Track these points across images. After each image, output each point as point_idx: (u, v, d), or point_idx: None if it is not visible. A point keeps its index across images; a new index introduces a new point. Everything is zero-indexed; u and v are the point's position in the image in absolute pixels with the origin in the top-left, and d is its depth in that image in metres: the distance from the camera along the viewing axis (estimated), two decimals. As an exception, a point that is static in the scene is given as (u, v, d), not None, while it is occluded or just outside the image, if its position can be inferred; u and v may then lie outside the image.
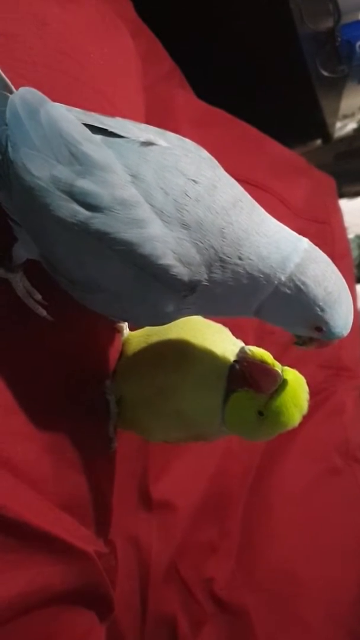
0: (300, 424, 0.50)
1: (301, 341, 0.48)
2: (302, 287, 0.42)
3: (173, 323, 0.51)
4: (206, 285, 0.42)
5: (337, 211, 1.20)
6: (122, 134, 0.42)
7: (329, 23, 1.24)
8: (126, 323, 0.60)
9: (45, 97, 0.43)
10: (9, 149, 0.41)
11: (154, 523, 0.72)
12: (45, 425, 0.48)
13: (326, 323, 0.44)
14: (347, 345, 1.07)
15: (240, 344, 0.54)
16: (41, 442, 0.48)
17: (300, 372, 0.49)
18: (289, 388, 0.48)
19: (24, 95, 0.42)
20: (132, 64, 0.70)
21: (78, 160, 0.40)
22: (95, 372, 0.56)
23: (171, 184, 0.41)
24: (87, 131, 0.42)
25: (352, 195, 1.39)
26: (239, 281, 0.42)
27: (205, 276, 0.42)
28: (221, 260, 0.41)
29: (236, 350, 0.52)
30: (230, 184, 0.44)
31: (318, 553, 0.86)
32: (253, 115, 1.05)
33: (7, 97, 0.42)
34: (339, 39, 1.26)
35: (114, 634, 0.61)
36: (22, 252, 0.46)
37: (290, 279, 0.42)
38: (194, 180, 0.41)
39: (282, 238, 0.43)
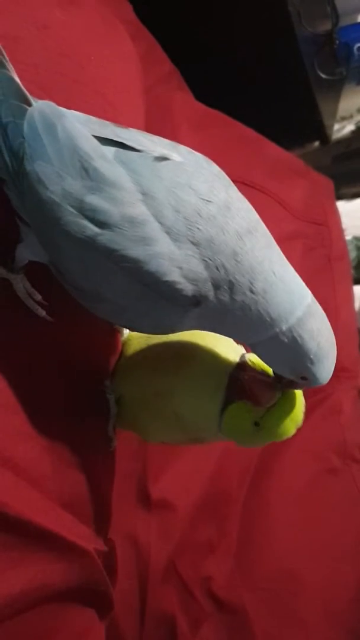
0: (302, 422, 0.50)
1: (279, 380, 0.49)
2: (298, 339, 0.44)
3: None
4: (212, 302, 0.43)
5: (335, 213, 1.21)
6: (136, 147, 0.43)
7: (327, 25, 1.24)
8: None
9: (63, 111, 0.43)
10: (25, 160, 0.41)
11: (153, 522, 0.72)
12: (46, 424, 0.49)
13: (312, 375, 0.45)
14: (346, 346, 1.07)
15: (241, 350, 0.54)
16: (42, 441, 0.48)
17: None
18: (286, 401, 0.49)
19: (42, 108, 0.42)
20: (132, 66, 0.70)
21: (90, 176, 0.40)
22: (95, 371, 0.57)
23: (183, 202, 0.41)
24: (100, 148, 0.42)
25: (350, 196, 1.39)
26: (244, 314, 0.43)
27: (212, 294, 0.42)
28: (231, 284, 0.42)
29: (236, 357, 0.52)
30: (245, 208, 0.44)
31: (316, 552, 0.87)
32: (251, 117, 1.06)
33: (26, 110, 0.42)
34: (337, 42, 1.26)
35: (113, 632, 0.61)
36: (26, 254, 0.47)
37: (290, 330, 0.43)
38: (207, 200, 0.41)
39: (295, 287, 0.44)
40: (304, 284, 0.45)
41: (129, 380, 0.57)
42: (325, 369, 0.45)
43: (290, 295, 0.43)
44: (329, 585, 0.85)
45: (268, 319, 0.43)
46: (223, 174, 0.46)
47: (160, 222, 0.40)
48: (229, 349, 0.53)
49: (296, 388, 0.49)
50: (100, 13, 0.65)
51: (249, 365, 0.51)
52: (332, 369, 0.46)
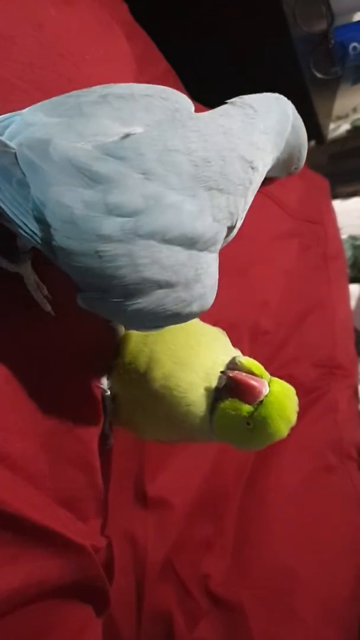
0: (295, 422, 0.51)
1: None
2: (298, 130, 0.54)
3: (170, 327, 0.52)
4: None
5: (331, 212, 1.21)
6: (101, 138, 0.43)
7: (322, 25, 1.24)
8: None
9: (45, 138, 0.43)
10: (37, 196, 0.41)
11: (150, 520, 0.72)
12: (43, 422, 0.49)
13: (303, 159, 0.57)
14: (342, 344, 1.07)
15: (234, 353, 0.54)
16: (39, 439, 0.48)
17: (295, 371, 0.50)
18: (274, 399, 0.49)
19: (28, 144, 0.42)
20: (127, 65, 0.71)
21: (95, 180, 0.41)
22: (92, 369, 0.57)
23: (176, 165, 0.43)
24: (89, 151, 0.43)
25: (346, 196, 1.39)
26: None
27: (233, 208, 0.46)
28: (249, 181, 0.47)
29: (227, 360, 0.53)
30: (204, 123, 0.46)
31: (313, 550, 0.87)
32: (247, 116, 1.05)
33: (10, 152, 0.42)
34: (332, 41, 1.26)
35: (110, 629, 0.61)
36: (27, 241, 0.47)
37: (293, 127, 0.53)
38: (189, 153, 0.43)
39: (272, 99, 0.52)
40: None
41: (125, 380, 0.57)
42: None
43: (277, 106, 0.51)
44: (325, 582, 0.86)
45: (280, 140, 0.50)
46: (172, 102, 0.48)
47: (172, 189, 0.42)
48: (222, 352, 0.53)
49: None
50: (95, 13, 0.65)
51: (238, 366, 0.51)
52: None
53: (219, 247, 0.46)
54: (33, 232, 0.42)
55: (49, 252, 0.43)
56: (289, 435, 0.51)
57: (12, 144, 0.42)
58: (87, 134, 0.44)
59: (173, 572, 0.74)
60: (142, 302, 0.45)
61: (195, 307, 0.47)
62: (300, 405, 0.52)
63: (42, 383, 0.50)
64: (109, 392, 0.58)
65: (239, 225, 0.47)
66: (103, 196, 0.41)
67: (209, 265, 0.45)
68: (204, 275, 0.45)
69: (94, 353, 0.57)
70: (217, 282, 0.46)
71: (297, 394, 0.51)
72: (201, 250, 0.44)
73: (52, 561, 0.46)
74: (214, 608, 0.78)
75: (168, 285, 0.44)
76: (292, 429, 0.52)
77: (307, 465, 0.95)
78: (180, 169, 0.43)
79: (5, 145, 0.42)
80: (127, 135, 0.43)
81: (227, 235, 0.47)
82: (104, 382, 0.58)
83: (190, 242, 0.43)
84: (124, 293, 0.44)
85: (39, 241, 0.42)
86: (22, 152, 0.42)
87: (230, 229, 0.46)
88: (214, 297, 0.47)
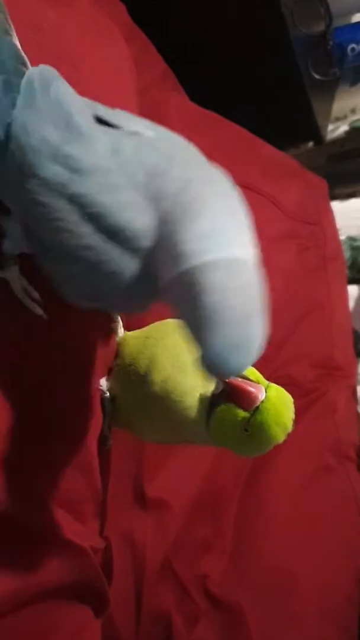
0: (293, 423, 0.51)
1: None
2: (195, 286, 0.40)
3: (170, 329, 0.52)
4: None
5: (329, 213, 1.21)
6: (115, 124, 0.44)
7: (320, 26, 1.24)
8: (120, 323, 0.61)
9: (60, 76, 0.46)
10: (17, 109, 0.43)
11: (149, 521, 0.72)
12: (41, 422, 0.49)
13: (202, 342, 0.39)
14: (340, 345, 1.08)
15: None
16: (37, 439, 0.48)
17: (292, 371, 0.50)
18: (270, 405, 0.48)
19: (42, 69, 0.45)
20: (126, 67, 0.71)
21: (69, 129, 0.42)
22: (91, 369, 0.57)
23: (146, 158, 0.42)
24: (86, 108, 0.44)
25: (344, 197, 1.40)
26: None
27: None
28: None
29: None
30: (200, 162, 0.46)
31: (311, 550, 0.87)
32: (245, 117, 1.06)
33: (23, 72, 0.45)
34: (331, 42, 1.26)
35: (109, 629, 0.61)
36: (11, 247, 0.48)
37: (191, 271, 0.40)
38: (168, 156, 0.43)
39: (224, 233, 0.42)
40: (249, 238, 0.42)
41: (124, 381, 0.57)
42: (220, 341, 0.37)
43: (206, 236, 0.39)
44: (323, 582, 0.86)
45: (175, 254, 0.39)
46: (193, 149, 0.48)
47: (126, 176, 0.41)
48: None
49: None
50: (93, 15, 0.66)
51: None
52: (240, 352, 0.38)
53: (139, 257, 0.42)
54: None
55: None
56: (287, 436, 0.51)
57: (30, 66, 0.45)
58: (101, 111, 0.45)
59: (172, 573, 0.75)
60: (66, 276, 0.45)
61: (118, 305, 0.46)
62: (299, 406, 0.52)
63: (39, 384, 0.50)
64: (108, 394, 0.58)
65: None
66: (62, 142, 0.42)
67: (126, 267, 0.42)
68: (120, 272, 0.42)
69: (93, 354, 0.57)
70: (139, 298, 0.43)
71: (296, 394, 0.51)
72: (119, 246, 0.41)
73: (50, 562, 0.47)
74: (213, 608, 0.78)
75: (85, 264, 0.42)
76: (291, 430, 0.52)
77: (306, 466, 0.95)
78: (146, 165, 0.42)
79: (24, 64, 0.45)
80: (136, 133, 0.44)
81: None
82: (103, 384, 0.58)
83: (110, 230, 0.41)
84: (47, 247, 0.44)
85: None
86: (30, 75, 0.44)
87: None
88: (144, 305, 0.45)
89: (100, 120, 0.44)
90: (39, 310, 0.49)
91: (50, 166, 0.41)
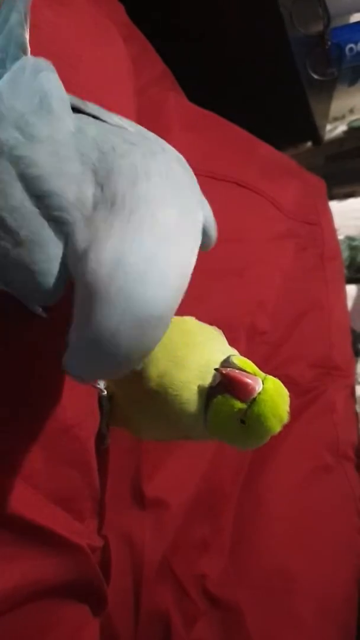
0: (291, 422, 0.51)
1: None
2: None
3: None
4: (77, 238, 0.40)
5: (328, 213, 1.21)
6: (99, 117, 0.44)
7: (318, 27, 1.25)
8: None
9: (55, 71, 0.45)
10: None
11: (147, 520, 0.72)
12: (38, 420, 0.49)
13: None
14: (338, 345, 1.08)
15: (230, 352, 0.54)
16: (35, 438, 0.48)
17: (291, 371, 0.50)
18: (267, 397, 0.49)
19: (40, 60, 0.45)
20: (124, 67, 0.71)
21: (41, 105, 0.42)
22: None
23: (108, 140, 0.42)
24: (67, 100, 0.43)
25: (343, 197, 1.40)
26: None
27: (83, 225, 0.40)
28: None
29: (223, 358, 0.53)
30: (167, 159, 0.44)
31: (310, 549, 0.87)
32: (244, 117, 1.06)
33: (20, 55, 0.44)
34: (329, 43, 1.27)
35: (107, 629, 0.61)
36: None
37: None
38: (130, 143, 0.42)
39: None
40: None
41: (121, 379, 0.57)
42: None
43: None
44: (323, 582, 0.86)
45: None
46: (167, 151, 0.46)
47: (78, 151, 0.41)
48: (218, 351, 0.54)
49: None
50: (91, 14, 0.66)
51: (231, 365, 0.51)
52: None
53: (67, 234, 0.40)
54: None
55: None
56: (285, 435, 0.52)
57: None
58: (88, 105, 0.45)
59: (170, 572, 0.75)
60: None
61: (29, 288, 0.42)
62: (297, 405, 0.52)
63: (37, 382, 0.50)
64: (105, 392, 0.58)
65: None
66: (29, 113, 0.41)
67: (42, 243, 0.40)
68: (32, 246, 0.40)
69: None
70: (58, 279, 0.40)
71: (294, 394, 0.52)
72: (44, 214, 0.40)
73: (48, 560, 0.47)
74: (212, 608, 0.78)
75: (9, 234, 0.40)
76: (289, 429, 0.52)
77: (304, 465, 0.95)
78: (105, 146, 0.41)
79: (25, 50, 0.45)
80: (119, 126, 0.44)
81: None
82: (101, 382, 0.58)
83: (41, 195, 0.40)
84: None
85: None
86: (25, 60, 0.44)
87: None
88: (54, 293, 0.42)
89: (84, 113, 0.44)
90: (37, 308, 0.49)
91: (8, 129, 0.41)
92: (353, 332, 1.19)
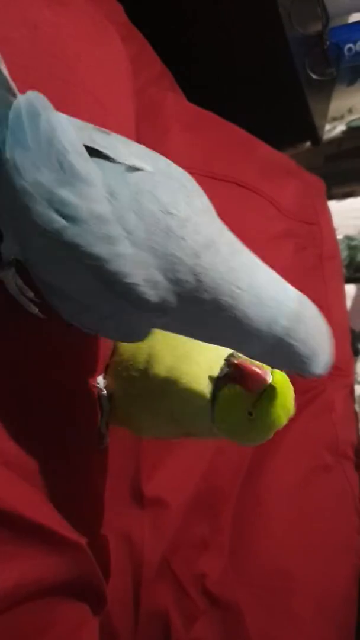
0: (290, 422, 0.51)
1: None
2: (290, 347, 0.42)
3: None
4: (182, 314, 0.43)
5: (326, 212, 1.21)
6: (110, 155, 0.43)
7: (317, 26, 1.25)
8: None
9: (49, 103, 0.44)
10: (6, 147, 0.41)
11: (147, 520, 0.72)
12: (38, 420, 0.49)
13: (309, 372, 0.45)
14: (337, 344, 1.07)
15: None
16: (34, 437, 0.48)
17: (290, 370, 0.50)
18: (276, 387, 0.49)
19: (30, 98, 0.43)
20: (123, 66, 0.71)
21: (63, 169, 0.41)
22: (88, 368, 0.57)
23: (145, 209, 0.41)
24: (79, 144, 0.42)
25: (342, 196, 1.40)
26: (224, 328, 0.43)
27: (179, 305, 0.42)
28: (197, 299, 0.42)
29: (227, 354, 0.53)
30: (205, 222, 0.43)
31: (309, 549, 0.88)
32: (243, 117, 1.06)
33: (10, 100, 0.43)
34: (328, 42, 1.27)
35: (107, 628, 0.61)
36: (10, 250, 0.47)
37: (280, 341, 0.42)
38: (167, 212, 0.41)
39: (271, 293, 0.43)
40: (285, 284, 0.44)
41: (122, 377, 0.58)
42: (321, 363, 0.44)
43: (262, 308, 0.42)
44: (322, 581, 0.86)
45: (252, 331, 0.42)
46: (195, 186, 0.46)
47: (122, 225, 0.41)
48: (221, 347, 0.54)
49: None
50: (90, 14, 0.66)
51: (238, 357, 0.52)
52: (329, 359, 0.45)
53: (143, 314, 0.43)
54: None
55: None
56: (285, 435, 0.52)
57: (17, 93, 0.43)
58: (95, 140, 0.43)
59: (170, 572, 0.75)
60: (65, 308, 0.46)
61: (116, 336, 0.48)
62: (296, 404, 0.52)
63: (37, 381, 0.50)
64: (105, 391, 0.58)
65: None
66: (56, 185, 0.40)
67: (130, 318, 0.43)
68: (120, 320, 0.43)
69: (90, 352, 0.58)
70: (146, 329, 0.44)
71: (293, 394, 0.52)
72: (120, 296, 0.42)
73: (47, 559, 0.46)
74: (211, 607, 0.78)
75: (82, 304, 0.43)
76: (288, 429, 0.52)
77: (304, 464, 0.95)
78: (146, 215, 0.41)
79: (11, 91, 0.43)
80: (134, 168, 0.43)
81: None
82: (100, 381, 0.58)
83: (108, 282, 0.41)
84: (46, 283, 0.44)
85: None
86: (17, 105, 0.42)
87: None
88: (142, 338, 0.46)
89: (95, 150, 0.43)
90: (34, 309, 0.49)
91: (44, 211, 0.40)
92: (352, 331, 1.19)
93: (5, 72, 0.43)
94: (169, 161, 0.46)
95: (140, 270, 0.41)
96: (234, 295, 0.41)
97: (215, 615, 0.78)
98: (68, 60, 0.57)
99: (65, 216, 0.40)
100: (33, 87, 0.51)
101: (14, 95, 0.43)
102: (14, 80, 0.46)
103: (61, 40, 0.58)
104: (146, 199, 0.41)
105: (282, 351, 0.43)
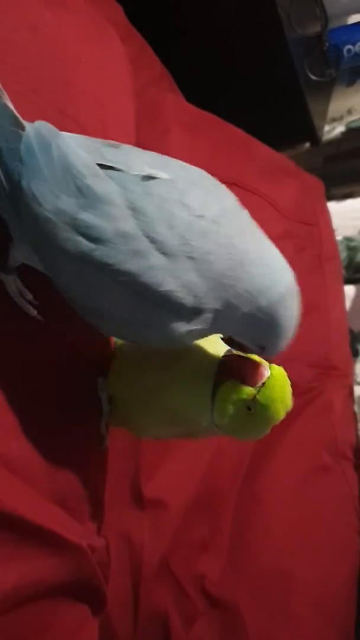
0: (290, 422, 0.51)
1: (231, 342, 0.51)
2: (273, 316, 0.45)
3: None
4: (216, 313, 0.44)
5: (326, 213, 1.22)
6: (123, 169, 0.43)
7: (316, 28, 1.25)
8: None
9: (57, 131, 0.44)
10: (22, 180, 0.42)
11: (146, 521, 0.72)
12: (38, 422, 0.49)
13: (274, 346, 0.47)
14: (336, 345, 1.08)
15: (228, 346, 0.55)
16: (34, 439, 0.48)
17: (289, 371, 0.50)
18: (276, 382, 0.50)
19: (38, 128, 0.43)
20: (123, 67, 0.71)
21: (82, 193, 0.41)
22: (88, 369, 0.57)
23: (175, 218, 0.42)
24: (93, 164, 0.43)
25: (341, 197, 1.40)
26: (237, 303, 0.44)
27: (214, 303, 0.43)
28: (225, 286, 0.43)
29: (225, 347, 0.53)
30: (234, 213, 0.45)
31: (308, 549, 0.88)
32: (242, 118, 1.06)
33: (20, 134, 0.43)
34: (327, 44, 1.27)
35: (106, 629, 0.61)
36: (19, 257, 0.48)
37: (269, 305, 0.44)
38: (199, 216, 0.42)
39: (277, 267, 0.45)
40: (284, 261, 0.46)
41: (122, 378, 0.58)
42: (286, 341, 0.47)
43: (270, 274, 0.44)
44: (321, 581, 0.86)
45: (249, 296, 0.44)
46: (216, 184, 0.47)
47: (151, 237, 0.41)
48: (219, 342, 0.54)
49: (249, 353, 0.51)
50: (90, 15, 0.66)
51: (236, 351, 0.52)
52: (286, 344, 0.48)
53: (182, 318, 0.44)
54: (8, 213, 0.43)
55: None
56: (284, 435, 0.52)
57: (26, 126, 0.43)
58: (106, 157, 0.44)
59: (169, 572, 0.75)
60: (104, 325, 0.47)
61: (160, 344, 0.48)
62: (295, 405, 0.52)
63: (37, 384, 0.50)
64: (105, 393, 0.58)
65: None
66: (78, 210, 0.41)
67: (170, 324, 0.44)
68: (161, 328, 0.44)
69: (90, 354, 0.58)
70: (187, 334, 0.45)
71: (292, 394, 0.52)
72: (156, 305, 0.42)
73: (47, 560, 0.47)
74: (210, 608, 0.78)
75: (121, 319, 0.44)
76: (288, 429, 0.52)
77: (303, 465, 0.95)
78: (174, 222, 0.42)
79: (19, 125, 0.43)
80: (149, 177, 0.43)
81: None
82: (100, 383, 0.58)
83: (143, 294, 0.42)
84: (82, 306, 0.45)
85: (10, 226, 0.44)
86: (27, 137, 0.43)
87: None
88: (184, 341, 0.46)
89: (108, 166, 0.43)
90: (33, 311, 0.49)
91: (69, 237, 0.41)
92: (351, 332, 1.19)
93: (12, 107, 0.44)
94: (182, 163, 0.46)
95: (174, 277, 0.42)
96: (251, 270, 0.44)
97: (214, 615, 0.78)
98: (68, 61, 0.57)
99: (91, 239, 0.41)
100: (34, 88, 0.51)
101: (23, 129, 0.43)
102: (15, 81, 0.46)
103: (61, 41, 0.58)
104: (175, 208, 0.42)
105: (263, 321, 0.45)
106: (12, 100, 0.44)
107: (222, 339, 0.52)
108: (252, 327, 0.46)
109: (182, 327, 0.44)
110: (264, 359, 0.50)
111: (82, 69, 0.59)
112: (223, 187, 0.47)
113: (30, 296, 0.49)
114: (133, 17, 0.88)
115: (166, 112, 0.91)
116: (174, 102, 0.96)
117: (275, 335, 0.46)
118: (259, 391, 0.49)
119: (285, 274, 0.46)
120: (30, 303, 0.49)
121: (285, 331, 0.46)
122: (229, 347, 0.54)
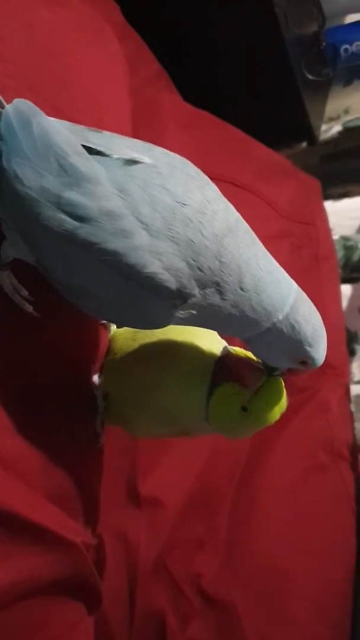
0: (286, 421, 0.51)
1: (280, 372, 0.50)
2: (295, 325, 0.45)
3: None
4: (200, 300, 0.43)
5: (322, 213, 1.22)
6: (106, 152, 0.43)
7: (313, 27, 1.25)
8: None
9: (38, 109, 0.43)
10: (3, 158, 0.42)
11: (143, 519, 0.72)
12: (34, 419, 0.49)
13: (312, 357, 0.47)
14: (333, 344, 1.08)
15: (224, 343, 0.55)
16: (29, 436, 0.48)
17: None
18: (273, 384, 0.50)
19: (17, 106, 0.43)
20: (119, 66, 0.71)
21: (66, 172, 0.41)
22: (83, 367, 0.57)
23: (159, 201, 0.41)
24: (77, 144, 0.42)
25: (337, 197, 1.40)
26: (239, 311, 0.44)
27: (198, 291, 0.43)
28: (218, 284, 0.43)
29: (221, 347, 0.53)
30: (222, 209, 0.44)
31: (305, 549, 0.88)
32: (239, 118, 1.06)
33: (0, 112, 0.43)
34: (324, 43, 1.27)
35: (102, 628, 0.61)
36: (11, 251, 0.47)
37: (286, 318, 0.45)
38: (182, 203, 0.42)
39: (282, 278, 0.46)
40: (287, 274, 0.47)
41: (117, 376, 0.58)
42: (322, 349, 0.47)
43: (279, 286, 0.45)
44: (317, 581, 0.86)
45: (263, 312, 0.44)
46: (199, 173, 0.46)
47: (137, 217, 0.41)
48: (214, 341, 0.54)
49: (297, 374, 0.51)
50: (86, 14, 0.66)
51: (232, 353, 0.52)
52: (326, 348, 0.48)
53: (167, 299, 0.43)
54: None
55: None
56: (280, 434, 0.52)
57: (5, 104, 0.43)
58: (90, 139, 0.43)
59: (165, 571, 0.75)
60: (87, 304, 0.46)
61: (139, 325, 0.48)
62: (292, 404, 0.52)
63: (32, 381, 0.50)
64: (100, 390, 0.58)
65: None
66: (62, 188, 0.41)
67: (152, 306, 0.44)
68: (143, 309, 0.44)
69: (84, 352, 0.58)
70: (168, 318, 0.45)
71: (289, 393, 0.52)
72: (141, 286, 0.42)
73: (43, 558, 0.47)
74: (207, 607, 0.78)
75: (104, 299, 0.44)
76: (284, 428, 0.52)
77: (299, 464, 0.95)
78: (159, 207, 0.41)
79: (0, 104, 0.43)
80: (133, 161, 0.43)
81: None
82: (96, 381, 0.58)
83: (128, 275, 0.41)
84: (65, 285, 0.45)
85: None
86: (7, 114, 0.42)
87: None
88: (165, 325, 0.46)
89: (90, 149, 0.43)
90: (28, 308, 0.49)
91: (53, 215, 0.41)
92: (348, 331, 1.19)
93: None
94: (164, 150, 0.46)
95: (159, 259, 0.41)
96: (256, 275, 0.44)
97: (210, 614, 0.78)
98: (64, 59, 0.57)
99: (75, 217, 0.40)
100: (30, 86, 0.51)
101: (2, 107, 0.43)
102: (11, 78, 0.46)
103: (58, 39, 0.58)
104: (157, 192, 0.42)
105: (288, 332, 0.45)
106: (6, 97, 0.44)
107: (265, 366, 0.51)
108: (284, 345, 0.46)
109: (165, 309, 0.44)
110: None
111: (79, 67, 0.59)
112: (205, 176, 0.47)
113: (25, 292, 0.49)
114: (130, 16, 0.88)
115: (163, 110, 0.91)
116: (171, 100, 0.96)
117: (308, 345, 0.46)
118: (256, 394, 0.49)
119: (291, 281, 0.47)
120: (25, 299, 0.49)
121: (315, 337, 0.46)
122: (225, 345, 0.54)
